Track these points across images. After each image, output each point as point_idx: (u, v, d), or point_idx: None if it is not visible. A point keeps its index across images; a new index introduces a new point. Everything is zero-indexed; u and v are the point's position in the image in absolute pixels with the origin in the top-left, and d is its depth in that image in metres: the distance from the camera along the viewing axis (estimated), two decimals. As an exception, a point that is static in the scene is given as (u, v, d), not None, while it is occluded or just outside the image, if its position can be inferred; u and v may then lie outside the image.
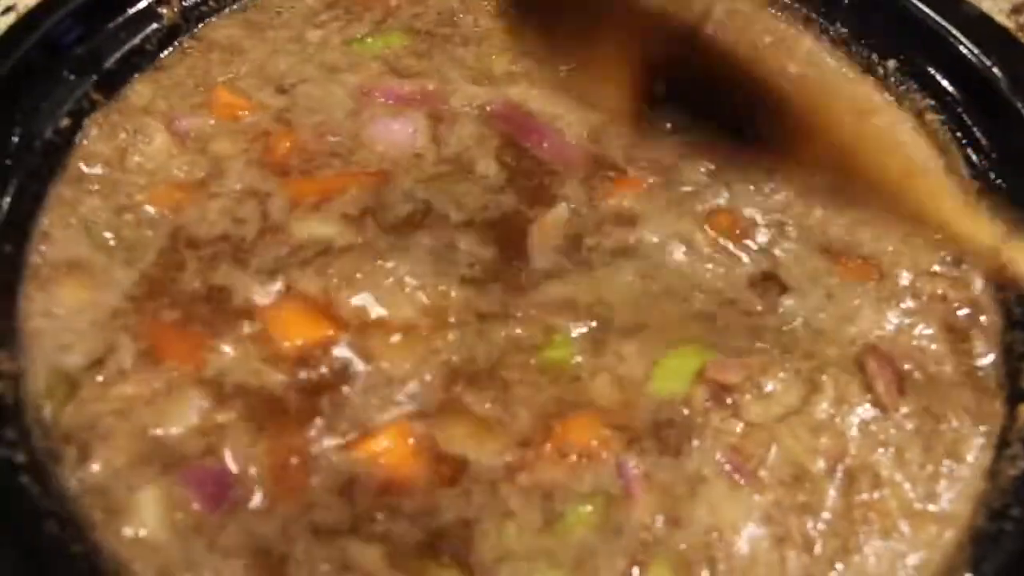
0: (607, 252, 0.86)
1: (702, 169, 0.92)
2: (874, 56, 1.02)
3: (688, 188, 0.91)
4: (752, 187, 0.92)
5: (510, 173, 0.90)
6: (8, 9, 1.10)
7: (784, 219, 0.90)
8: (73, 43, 0.92)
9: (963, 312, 0.85)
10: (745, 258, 0.87)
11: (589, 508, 0.71)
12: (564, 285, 0.83)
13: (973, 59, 0.94)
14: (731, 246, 0.88)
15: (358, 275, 0.81)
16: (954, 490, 0.75)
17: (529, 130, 0.93)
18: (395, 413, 0.75)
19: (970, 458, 0.77)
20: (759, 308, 0.84)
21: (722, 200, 0.91)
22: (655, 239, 0.87)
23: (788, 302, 0.84)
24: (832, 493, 0.74)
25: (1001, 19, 1.23)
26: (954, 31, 0.96)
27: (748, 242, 0.88)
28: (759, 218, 0.90)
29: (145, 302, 0.80)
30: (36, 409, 0.73)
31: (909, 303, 0.85)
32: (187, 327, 0.78)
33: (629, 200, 0.90)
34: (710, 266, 0.86)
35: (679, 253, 0.87)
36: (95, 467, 0.70)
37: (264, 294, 0.80)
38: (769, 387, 0.78)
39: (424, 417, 0.74)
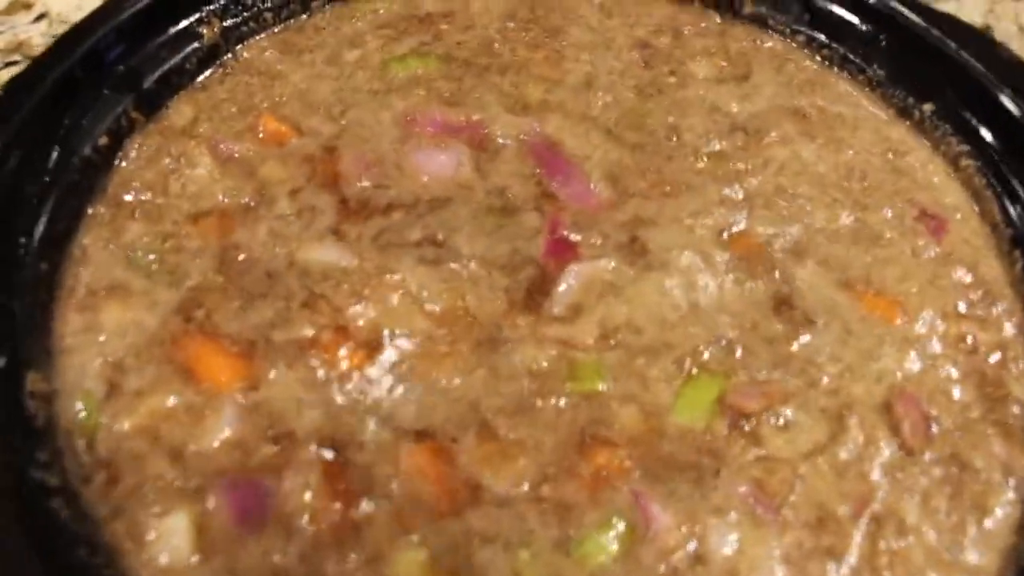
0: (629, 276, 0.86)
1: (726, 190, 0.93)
2: (910, 99, 1.02)
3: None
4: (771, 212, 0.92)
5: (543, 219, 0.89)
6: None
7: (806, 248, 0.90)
8: (114, 61, 0.93)
9: (993, 358, 0.84)
10: (763, 284, 0.87)
11: (610, 536, 0.71)
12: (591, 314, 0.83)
13: (1012, 106, 0.94)
14: (750, 270, 0.87)
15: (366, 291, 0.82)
16: (982, 542, 0.74)
17: (556, 170, 0.93)
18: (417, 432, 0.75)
19: (999, 511, 0.75)
20: (782, 337, 0.83)
21: (742, 222, 0.91)
22: (674, 255, 0.87)
23: (810, 335, 0.84)
24: (857, 538, 0.73)
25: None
26: (992, 77, 0.96)
27: (767, 268, 0.88)
28: (779, 243, 0.90)
29: (186, 324, 0.80)
30: (68, 431, 0.73)
31: (935, 345, 0.84)
32: (227, 350, 0.79)
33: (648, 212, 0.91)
34: (732, 288, 0.86)
35: (703, 273, 0.86)
36: (124, 490, 0.70)
37: (304, 322, 0.80)
38: (792, 420, 0.78)
39: (450, 438, 0.75)
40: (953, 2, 1.29)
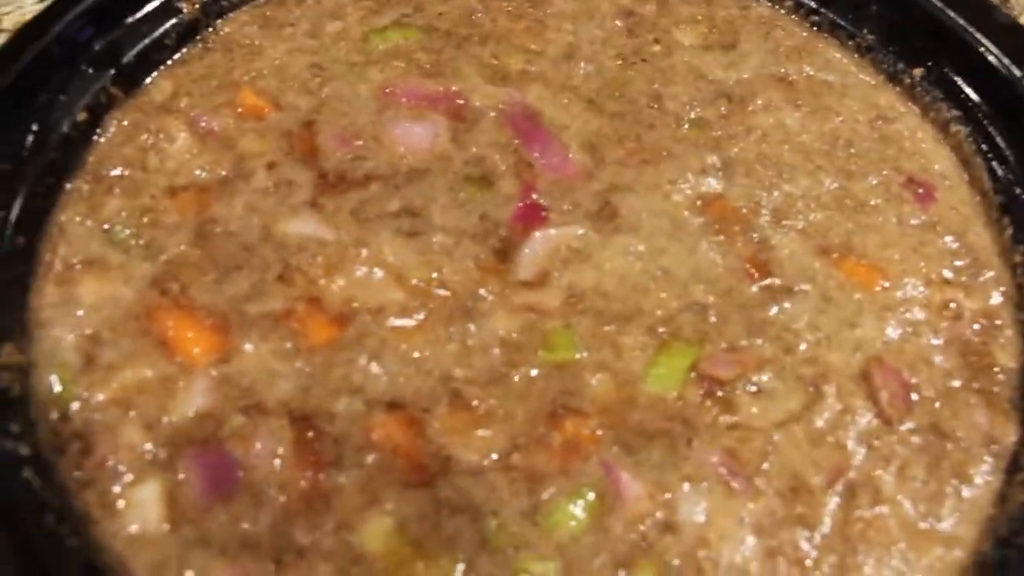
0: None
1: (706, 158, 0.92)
2: (900, 64, 1.00)
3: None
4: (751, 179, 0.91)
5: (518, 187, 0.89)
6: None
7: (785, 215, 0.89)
8: (92, 37, 0.92)
9: (978, 325, 0.83)
10: (740, 250, 0.85)
11: (579, 506, 0.70)
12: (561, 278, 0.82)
13: (1003, 70, 0.92)
14: (726, 235, 0.86)
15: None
16: (959, 512, 0.73)
17: (534, 140, 0.92)
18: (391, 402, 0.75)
19: (978, 480, 0.74)
20: (758, 303, 0.82)
21: (718, 187, 0.90)
22: (645, 219, 0.86)
23: (787, 301, 0.82)
24: (831, 507, 0.72)
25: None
26: (984, 40, 0.94)
27: (744, 233, 0.87)
28: (757, 210, 0.89)
29: (162, 297, 0.80)
30: (42, 403, 0.73)
31: (918, 312, 0.83)
32: (202, 323, 0.78)
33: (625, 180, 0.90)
34: (707, 253, 0.85)
35: (675, 238, 0.85)
36: (97, 460, 0.71)
37: (279, 295, 0.80)
38: (767, 387, 0.77)
39: (421, 409, 0.74)
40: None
